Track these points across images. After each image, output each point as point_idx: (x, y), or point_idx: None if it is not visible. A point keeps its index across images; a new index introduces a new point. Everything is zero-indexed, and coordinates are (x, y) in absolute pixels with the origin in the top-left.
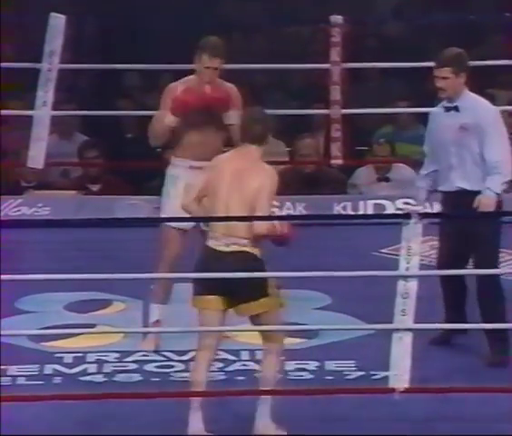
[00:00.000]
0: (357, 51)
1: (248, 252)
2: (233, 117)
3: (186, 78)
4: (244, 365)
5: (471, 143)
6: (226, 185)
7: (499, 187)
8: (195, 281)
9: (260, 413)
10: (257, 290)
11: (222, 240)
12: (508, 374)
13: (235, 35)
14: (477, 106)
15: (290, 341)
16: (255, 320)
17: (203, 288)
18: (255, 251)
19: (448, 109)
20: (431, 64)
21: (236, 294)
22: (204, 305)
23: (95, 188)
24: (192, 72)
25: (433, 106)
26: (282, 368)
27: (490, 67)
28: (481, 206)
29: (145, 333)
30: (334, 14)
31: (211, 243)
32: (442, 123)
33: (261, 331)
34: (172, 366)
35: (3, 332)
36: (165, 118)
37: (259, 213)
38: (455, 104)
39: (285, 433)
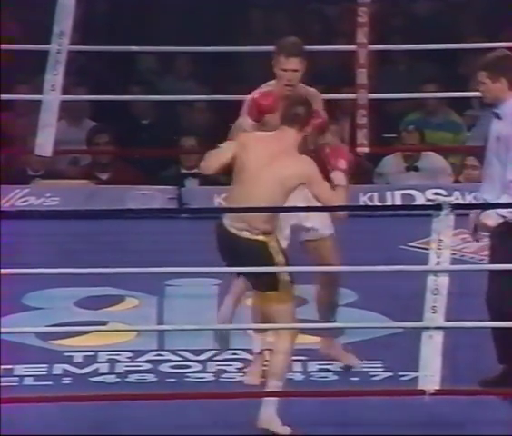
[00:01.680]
0: (385, 31)
1: (259, 242)
2: (328, 136)
3: (267, 83)
4: None
5: (502, 154)
6: (254, 168)
7: (506, 210)
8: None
9: (265, 405)
10: (264, 282)
11: (235, 224)
12: None
13: (254, 13)
14: (509, 115)
15: (313, 340)
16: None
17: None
18: (269, 240)
19: (494, 115)
20: (465, 45)
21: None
22: None
23: (105, 177)
24: (208, 55)
25: (466, 91)
26: (292, 368)
27: None
28: (480, 227)
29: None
30: None
31: (226, 223)
32: (489, 130)
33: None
34: (189, 366)
35: (9, 330)
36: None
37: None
38: (497, 111)
39: (289, 433)
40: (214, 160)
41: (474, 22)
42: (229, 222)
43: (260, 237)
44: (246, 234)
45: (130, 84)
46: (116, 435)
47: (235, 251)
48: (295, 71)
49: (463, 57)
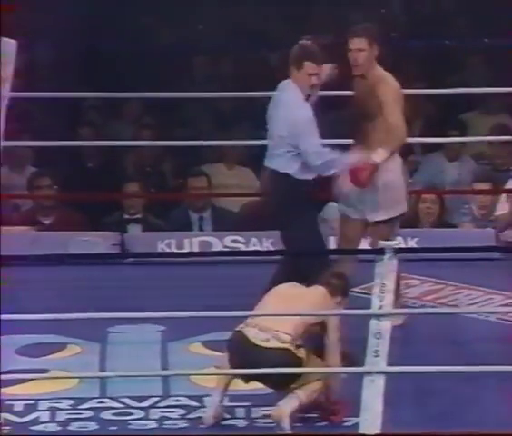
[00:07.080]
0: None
1: (286, 351)
2: None
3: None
4: None
5: None
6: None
7: None
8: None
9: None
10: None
11: (260, 334)
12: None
13: (199, 59)
14: None
15: (253, 386)
16: None
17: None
18: (297, 350)
19: None
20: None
21: None
22: None
23: (48, 221)
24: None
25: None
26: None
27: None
28: None
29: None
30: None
31: (248, 333)
32: None
33: None
34: (131, 413)
35: None
36: None
37: None
38: None
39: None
40: None
41: (416, 68)
42: (253, 333)
43: (287, 345)
44: (273, 343)
45: (76, 128)
46: None
47: (256, 363)
48: (360, 50)
49: None
